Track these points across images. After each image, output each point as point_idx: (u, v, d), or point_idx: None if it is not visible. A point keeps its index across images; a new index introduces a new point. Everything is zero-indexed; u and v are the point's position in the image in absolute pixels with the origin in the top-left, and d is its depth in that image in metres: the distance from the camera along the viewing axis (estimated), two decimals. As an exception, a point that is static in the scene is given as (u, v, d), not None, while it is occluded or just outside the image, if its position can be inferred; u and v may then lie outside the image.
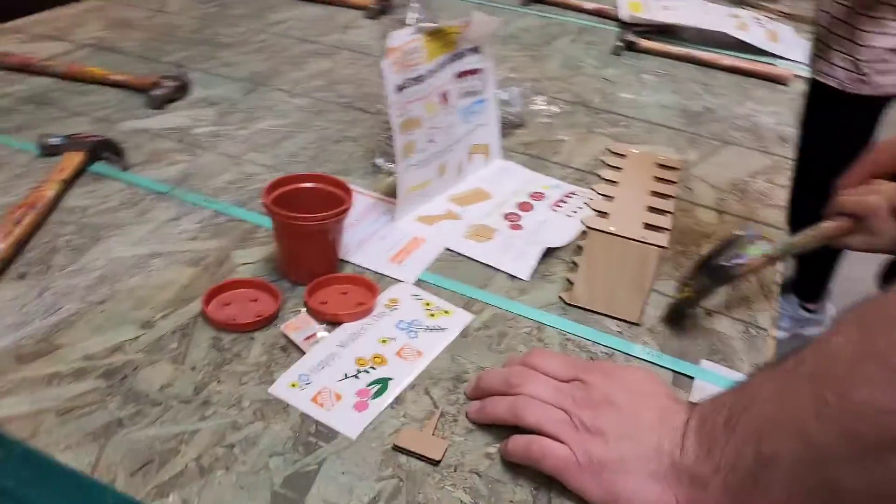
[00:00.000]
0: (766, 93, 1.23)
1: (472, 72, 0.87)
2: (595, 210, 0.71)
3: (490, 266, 0.74)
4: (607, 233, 0.68)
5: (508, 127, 1.03)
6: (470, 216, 0.81)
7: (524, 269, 0.74)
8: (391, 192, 0.88)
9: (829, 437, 0.42)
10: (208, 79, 1.13)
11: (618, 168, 0.78)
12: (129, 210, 0.80)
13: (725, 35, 1.39)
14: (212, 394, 0.58)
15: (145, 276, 0.70)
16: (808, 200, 0.86)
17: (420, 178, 0.82)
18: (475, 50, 0.86)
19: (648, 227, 0.68)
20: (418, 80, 0.79)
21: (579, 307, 0.71)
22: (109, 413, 0.55)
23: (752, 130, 1.11)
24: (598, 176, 0.78)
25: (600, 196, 0.73)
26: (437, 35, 0.80)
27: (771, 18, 1.52)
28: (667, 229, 0.68)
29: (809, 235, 0.64)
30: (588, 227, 0.69)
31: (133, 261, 0.72)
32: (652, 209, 0.72)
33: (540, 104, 1.12)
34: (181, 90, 1.06)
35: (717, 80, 1.26)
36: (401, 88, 0.77)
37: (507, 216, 0.81)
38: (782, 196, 0.94)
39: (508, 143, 1.01)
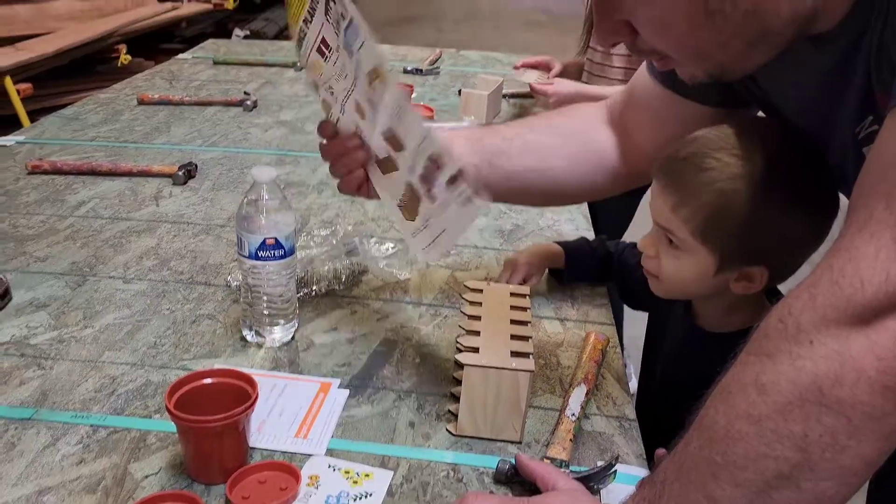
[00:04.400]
0: (556, 203, 1.42)
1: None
2: (466, 347, 0.79)
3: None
4: (482, 366, 0.76)
5: (355, 276, 1.09)
6: (402, 166, 0.81)
7: (427, 258, 0.85)
8: (268, 366, 0.89)
9: (728, 490, 0.53)
10: (26, 278, 1.06)
11: (478, 304, 0.87)
12: (-9, 447, 0.73)
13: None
14: None
15: (41, 518, 0.65)
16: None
17: (350, 123, 0.84)
18: None
19: (515, 354, 0.78)
20: (301, 60, 0.84)
21: (467, 436, 0.78)
22: None
23: (560, 238, 1.27)
24: (463, 312, 0.86)
25: (468, 333, 0.82)
26: (292, 10, 0.83)
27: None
28: (531, 353, 0.78)
29: None
30: (465, 364, 0.76)
31: (21, 504, 0.66)
32: (514, 337, 0.81)
33: (373, 246, 1.20)
34: (3, 297, 0.99)
35: (515, 197, 1.43)
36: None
37: (421, 177, 0.80)
38: (603, 291, 1.10)
39: (360, 291, 1.07)
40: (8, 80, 2.73)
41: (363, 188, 0.89)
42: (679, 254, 0.82)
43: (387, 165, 0.84)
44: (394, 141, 0.82)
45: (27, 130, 1.77)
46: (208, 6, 4.52)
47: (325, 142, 0.88)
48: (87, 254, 1.15)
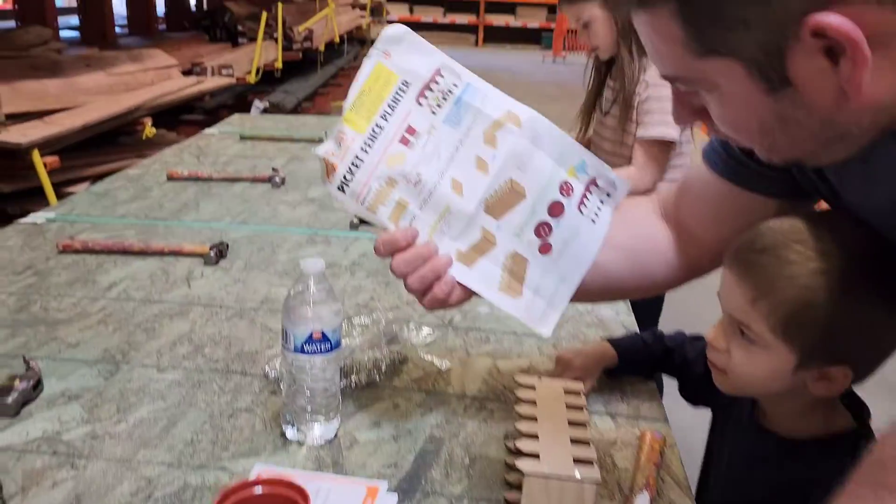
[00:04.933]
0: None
1: (433, 80, 0.81)
2: (525, 453, 0.75)
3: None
4: (544, 476, 0.72)
5: (396, 366, 1.06)
6: (504, 236, 0.83)
7: (547, 328, 0.85)
8: (311, 466, 0.85)
9: None
10: (57, 366, 1.03)
11: (531, 402, 0.83)
12: (21, 559, 0.69)
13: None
14: None
15: None
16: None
17: (430, 219, 0.82)
18: (413, 53, 0.81)
19: (578, 461, 0.73)
20: (357, 163, 0.80)
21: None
22: None
23: (600, 325, 1.23)
24: (517, 412, 0.82)
25: (525, 436, 0.77)
26: (360, 101, 0.80)
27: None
28: (594, 460, 0.73)
29: None
30: (525, 474, 0.72)
31: None
32: (574, 441, 0.77)
33: (411, 332, 1.17)
34: (35, 388, 0.96)
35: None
36: (344, 185, 0.80)
37: (538, 229, 0.83)
38: (652, 384, 1.05)
39: (401, 381, 1.03)
40: (36, 154, 2.76)
41: (456, 294, 0.82)
42: (753, 349, 0.78)
43: (477, 250, 0.83)
44: (506, 198, 0.82)
45: (57, 207, 1.77)
46: (231, 80, 4.62)
47: (397, 255, 0.79)
48: (119, 339, 1.12)
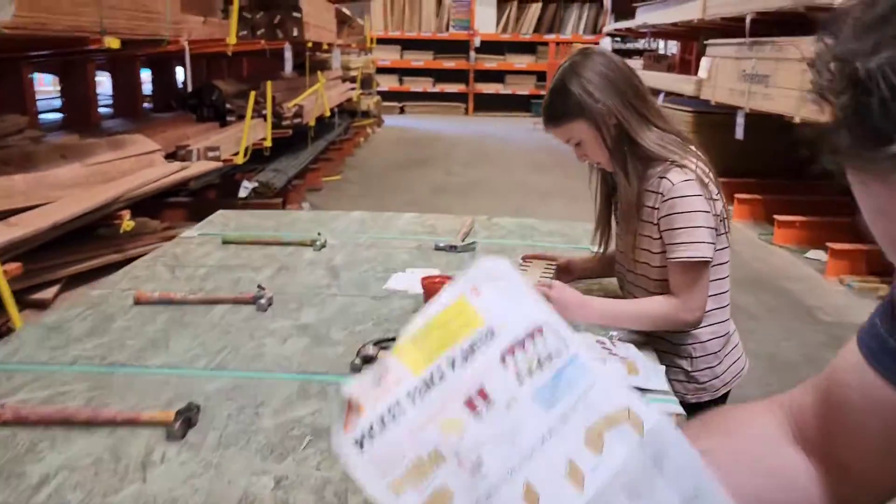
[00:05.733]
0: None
1: (530, 338, 0.58)
2: None
3: None
4: None
5: None
6: None
7: None
8: None
9: None
10: None
11: None
12: None
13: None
14: None
15: None
16: None
17: None
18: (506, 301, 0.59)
19: None
20: (397, 412, 0.52)
21: None
22: None
23: None
24: None
25: None
26: (425, 334, 0.55)
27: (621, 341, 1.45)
28: None
29: None
30: None
31: None
32: None
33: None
34: None
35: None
36: (367, 440, 0.51)
37: None
38: None
39: None
40: (-6, 263, 2.48)
41: None
42: None
43: None
44: None
45: (-3, 349, 1.47)
46: (218, 164, 4.39)
47: None
48: (38, 587, 0.81)
